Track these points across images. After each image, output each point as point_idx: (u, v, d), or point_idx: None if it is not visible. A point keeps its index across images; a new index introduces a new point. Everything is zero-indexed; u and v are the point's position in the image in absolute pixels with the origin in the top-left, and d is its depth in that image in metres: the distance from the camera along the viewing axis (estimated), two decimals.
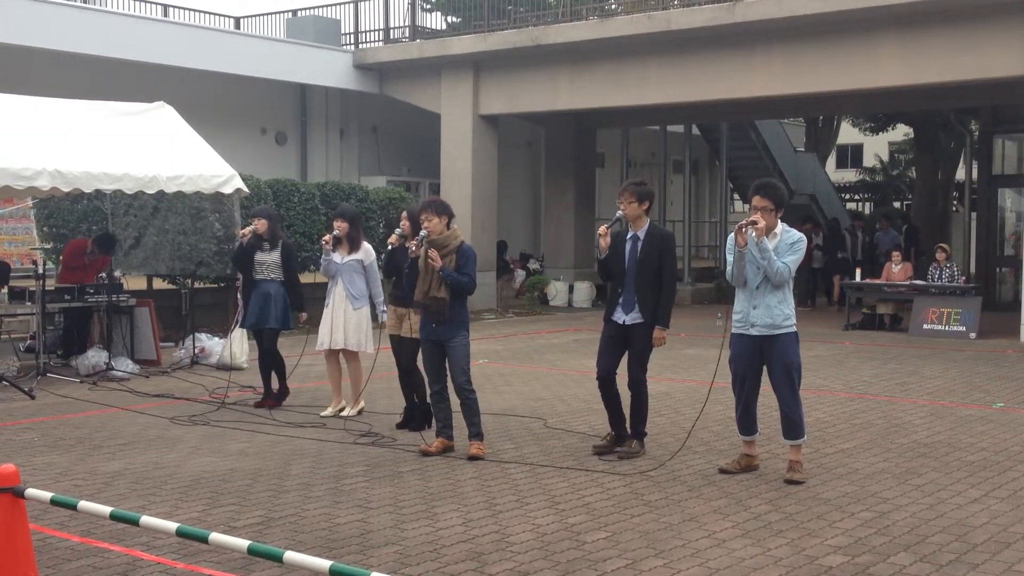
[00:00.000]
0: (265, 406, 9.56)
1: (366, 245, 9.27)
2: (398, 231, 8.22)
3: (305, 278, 11.33)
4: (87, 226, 14.32)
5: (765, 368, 6.99)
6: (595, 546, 5.49)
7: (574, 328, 17.17)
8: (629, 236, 7.57)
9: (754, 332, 6.90)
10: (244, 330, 12.01)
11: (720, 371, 7.17)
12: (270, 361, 9.74)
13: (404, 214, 8.53)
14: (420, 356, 8.00)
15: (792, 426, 6.93)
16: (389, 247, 8.33)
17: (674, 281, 7.60)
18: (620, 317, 7.54)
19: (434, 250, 7.51)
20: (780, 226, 6.91)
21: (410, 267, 8.01)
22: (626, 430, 7.71)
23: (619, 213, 7.55)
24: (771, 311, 6.84)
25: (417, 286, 7.66)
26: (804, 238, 6.95)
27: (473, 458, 7.44)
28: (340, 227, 9.10)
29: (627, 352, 7.57)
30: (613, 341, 7.60)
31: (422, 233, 7.65)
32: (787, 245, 6.83)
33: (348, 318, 9.12)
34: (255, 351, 12.17)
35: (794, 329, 6.91)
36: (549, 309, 21.19)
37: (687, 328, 15.79)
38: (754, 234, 6.72)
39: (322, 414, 9.21)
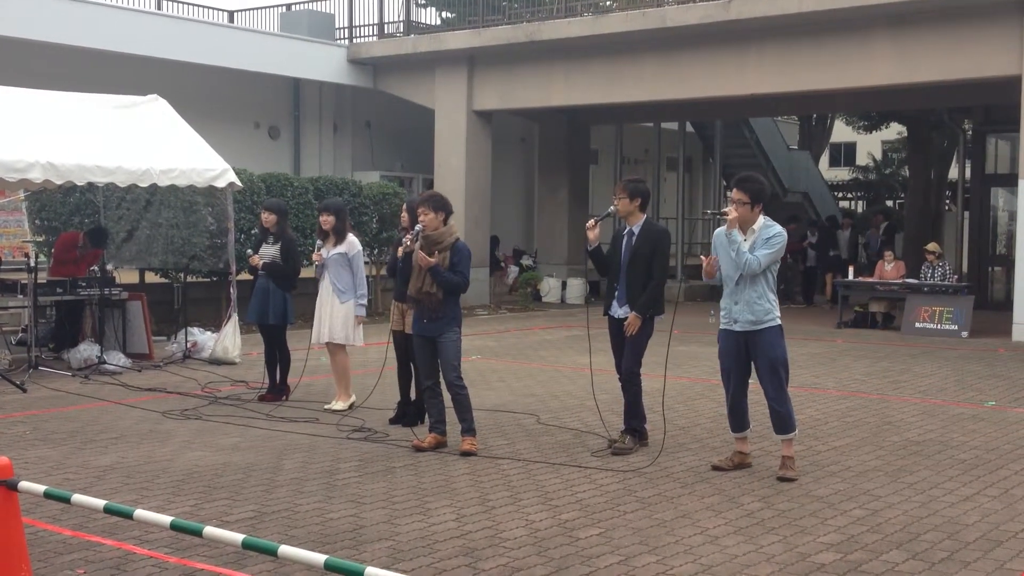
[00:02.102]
0: (267, 400, 9.56)
1: (351, 237, 9.18)
2: (404, 238, 8.05)
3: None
4: (79, 219, 14.27)
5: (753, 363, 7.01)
6: (588, 542, 5.50)
7: (567, 325, 17.16)
8: (625, 232, 7.65)
9: (737, 328, 6.92)
10: (236, 325, 12.02)
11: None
12: (273, 355, 9.75)
13: (404, 206, 8.59)
14: None
15: (781, 420, 6.92)
16: (399, 253, 8.17)
17: (663, 276, 7.60)
18: (615, 311, 7.61)
19: (422, 252, 7.50)
20: (760, 220, 6.88)
21: (403, 261, 8.00)
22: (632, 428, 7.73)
23: (612, 208, 7.67)
24: (752, 307, 6.85)
25: (411, 281, 7.66)
26: (783, 233, 6.89)
27: (466, 454, 7.43)
28: (326, 221, 9.16)
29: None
30: (614, 336, 7.67)
31: (417, 227, 7.66)
32: (763, 240, 6.83)
33: (335, 311, 9.14)
34: (248, 346, 12.21)
35: (777, 323, 6.90)
36: (542, 305, 21.20)
37: (680, 324, 15.71)
38: (724, 226, 6.79)
39: (326, 407, 9.21)
